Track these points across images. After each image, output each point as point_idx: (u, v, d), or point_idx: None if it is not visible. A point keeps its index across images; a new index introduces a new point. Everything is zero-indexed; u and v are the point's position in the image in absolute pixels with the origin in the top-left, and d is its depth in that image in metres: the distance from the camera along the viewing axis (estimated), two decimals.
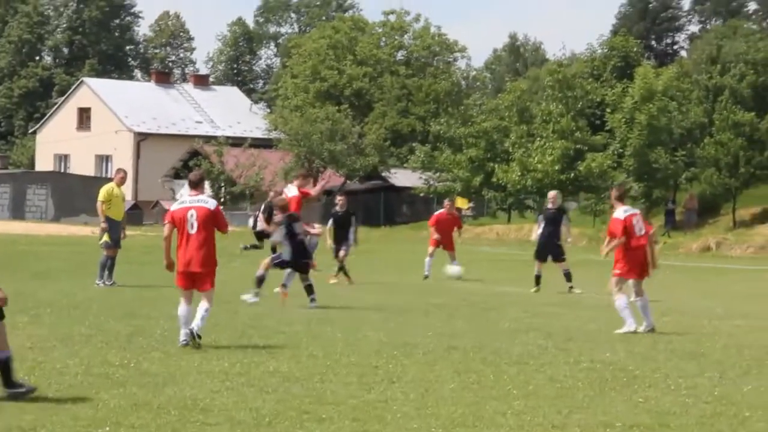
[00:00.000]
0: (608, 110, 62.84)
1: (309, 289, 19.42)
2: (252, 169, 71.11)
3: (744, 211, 58.84)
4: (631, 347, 15.04)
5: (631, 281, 17.39)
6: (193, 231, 14.01)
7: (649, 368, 13.08)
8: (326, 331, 15.91)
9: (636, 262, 17.25)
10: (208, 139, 76.27)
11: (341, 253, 25.91)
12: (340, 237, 26.08)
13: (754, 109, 58.18)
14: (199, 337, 13.81)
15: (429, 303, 21.36)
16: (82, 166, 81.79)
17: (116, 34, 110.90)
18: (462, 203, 65.91)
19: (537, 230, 26.06)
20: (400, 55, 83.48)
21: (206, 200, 14.39)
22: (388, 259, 38.99)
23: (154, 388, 10.97)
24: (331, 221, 26.52)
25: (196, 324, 13.85)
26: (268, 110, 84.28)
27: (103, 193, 23.36)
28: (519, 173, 62.76)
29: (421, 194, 69.90)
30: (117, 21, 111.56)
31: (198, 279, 14.06)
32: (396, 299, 22.09)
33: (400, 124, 77.85)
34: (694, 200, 60.01)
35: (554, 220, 25.62)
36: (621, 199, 17.77)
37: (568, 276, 25.42)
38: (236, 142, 74.62)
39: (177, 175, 76.57)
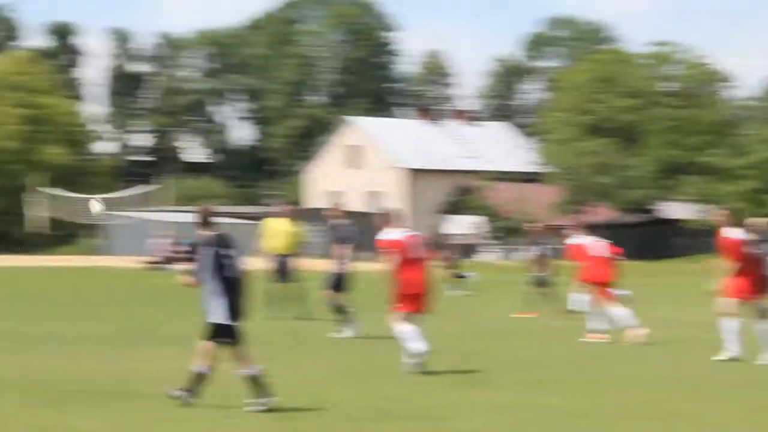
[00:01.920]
0: None
1: None
2: (520, 203, 71.41)
3: None
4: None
5: None
6: None
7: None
8: None
9: None
10: (476, 174, 77.18)
11: None
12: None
13: None
14: None
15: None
16: (353, 203, 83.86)
17: (380, 72, 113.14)
18: None
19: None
20: (664, 86, 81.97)
21: None
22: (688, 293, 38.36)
23: None
24: None
25: None
26: (542, 144, 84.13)
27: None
28: None
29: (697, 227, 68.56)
30: (378, 59, 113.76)
31: None
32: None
33: (669, 156, 76.47)
34: None
35: None
36: None
37: None
38: (504, 177, 75.19)
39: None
